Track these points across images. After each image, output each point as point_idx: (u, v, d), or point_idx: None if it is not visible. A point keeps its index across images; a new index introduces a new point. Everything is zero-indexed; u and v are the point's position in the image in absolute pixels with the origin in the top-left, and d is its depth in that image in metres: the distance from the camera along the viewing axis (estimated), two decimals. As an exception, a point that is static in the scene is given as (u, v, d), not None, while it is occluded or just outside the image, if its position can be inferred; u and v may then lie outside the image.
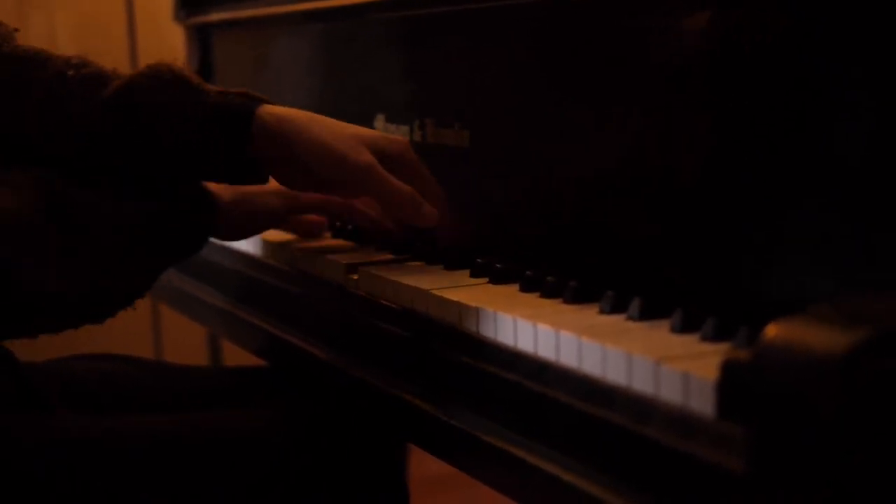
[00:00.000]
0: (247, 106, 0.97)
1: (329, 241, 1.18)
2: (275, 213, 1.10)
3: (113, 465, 0.93)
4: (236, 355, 1.39)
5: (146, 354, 2.01)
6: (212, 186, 1.03)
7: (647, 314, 0.77)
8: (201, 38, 1.63)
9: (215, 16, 1.57)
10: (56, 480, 0.91)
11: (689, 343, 0.71)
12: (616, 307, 0.80)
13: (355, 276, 1.01)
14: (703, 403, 0.63)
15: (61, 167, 0.94)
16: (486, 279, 0.93)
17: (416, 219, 0.99)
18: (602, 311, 0.80)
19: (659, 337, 0.73)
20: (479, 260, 0.96)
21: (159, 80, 0.96)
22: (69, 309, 0.92)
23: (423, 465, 1.32)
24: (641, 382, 0.68)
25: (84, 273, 0.91)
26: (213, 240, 1.10)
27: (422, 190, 1.01)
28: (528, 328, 0.78)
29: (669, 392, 0.66)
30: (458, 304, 0.86)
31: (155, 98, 0.95)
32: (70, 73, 0.96)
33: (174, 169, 0.97)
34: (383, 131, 1.19)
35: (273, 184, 1.05)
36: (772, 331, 0.56)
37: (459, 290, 0.90)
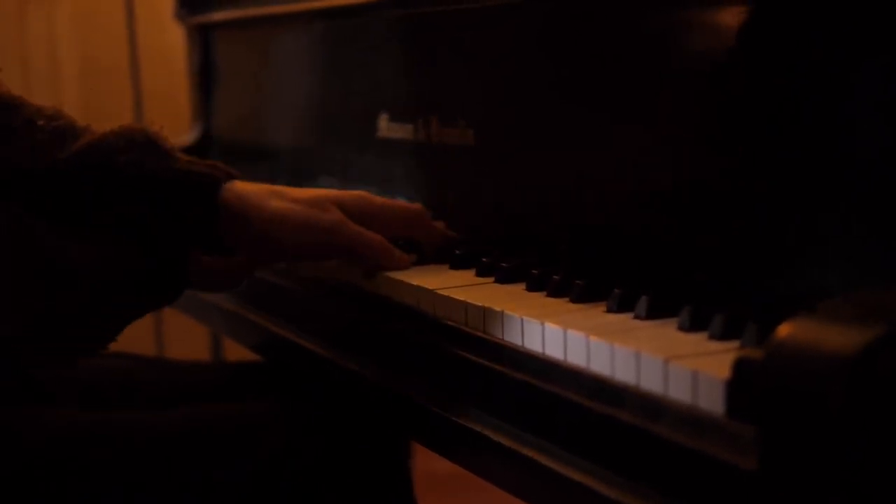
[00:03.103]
0: (213, 180, 0.95)
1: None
2: (250, 264, 1.07)
3: (111, 459, 0.93)
4: (238, 353, 1.39)
5: (148, 352, 2.02)
6: None
7: (654, 313, 0.77)
8: (203, 38, 1.63)
9: (217, 15, 1.57)
10: (55, 474, 0.91)
11: (697, 342, 0.71)
12: (623, 306, 0.80)
13: (361, 276, 1.01)
14: (712, 402, 0.63)
15: (30, 209, 0.94)
16: (492, 278, 0.93)
17: (389, 266, 0.98)
18: (609, 310, 0.80)
19: (667, 335, 0.73)
20: (484, 259, 0.96)
21: (132, 141, 0.95)
22: (23, 354, 0.91)
23: (429, 466, 1.32)
24: (650, 381, 0.67)
25: (43, 315, 0.90)
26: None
27: (399, 226, 1.01)
28: (536, 327, 0.78)
29: (678, 391, 0.65)
30: (464, 304, 0.86)
31: (124, 158, 0.94)
32: (40, 122, 0.96)
33: (136, 228, 0.95)
34: (387, 129, 1.20)
35: None
36: (784, 329, 0.56)
37: (465, 289, 0.90)
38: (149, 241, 0.95)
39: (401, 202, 1.04)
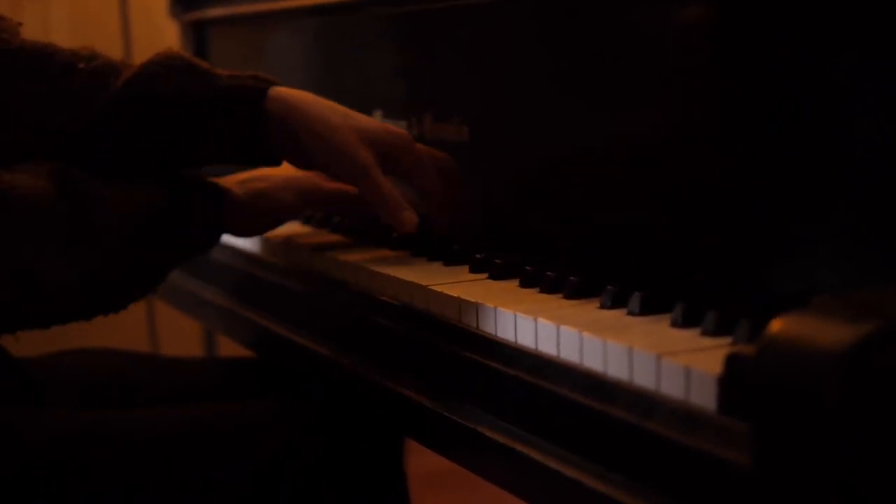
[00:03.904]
0: (257, 90, 0.98)
1: (328, 237, 1.18)
2: (289, 208, 1.09)
3: (110, 460, 0.93)
4: (231, 350, 1.39)
5: (142, 349, 2.01)
6: (226, 183, 1.03)
7: (647, 309, 0.77)
8: (197, 34, 1.62)
9: (212, 11, 1.57)
10: (55, 475, 0.91)
11: (689, 338, 0.71)
12: (616, 302, 0.80)
13: (354, 273, 1.01)
14: (704, 398, 0.63)
15: (72, 162, 0.94)
16: (486, 275, 0.93)
17: (396, 224, 0.99)
18: (602, 306, 0.80)
19: (660, 331, 0.73)
20: (478, 255, 0.96)
21: (171, 67, 0.97)
22: (78, 299, 0.92)
23: (424, 463, 1.32)
24: (643, 377, 0.68)
25: (94, 263, 0.91)
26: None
27: (423, 186, 1.02)
28: (529, 323, 0.78)
29: (671, 387, 0.65)
30: (457, 300, 0.86)
31: (167, 86, 0.96)
32: (80, 65, 0.96)
33: (189, 155, 0.98)
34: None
35: (289, 172, 1.07)
36: (776, 326, 0.56)
37: (459, 285, 0.90)
38: (199, 163, 0.98)
39: (430, 167, 1.04)
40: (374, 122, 1.03)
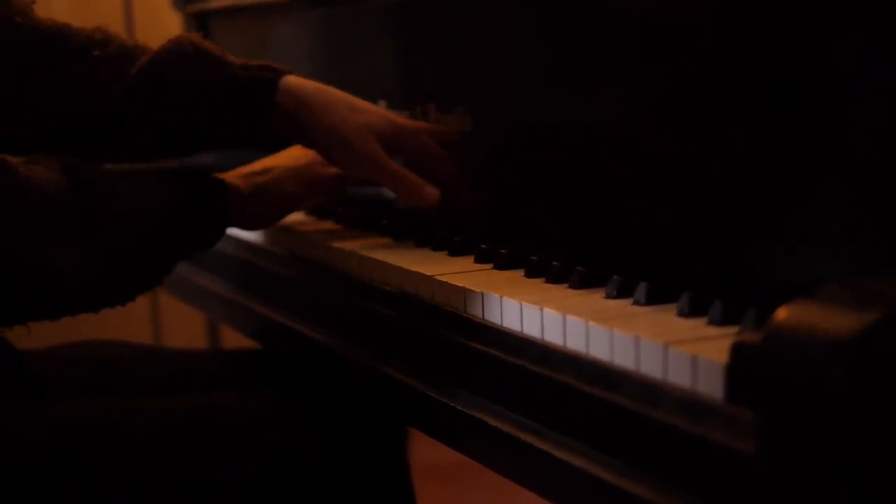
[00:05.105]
0: (268, 82, 1.00)
1: (331, 226, 1.18)
2: (294, 198, 1.10)
3: (110, 459, 0.93)
4: (235, 341, 1.39)
5: (145, 342, 2.01)
6: (230, 178, 1.04)
7: (653, 298, 0.77)
8: (200, 26, 1.62)
9: (214, 2, 1.57)
10: (55, 473, 0.91)
11: (696, 327, 0.71)
12: (622, 292, 0.80)
13: (359, 262, 1.01)
14: (711, 387, 0.63)
15: (81, 153, 0.95)
16: (491, 265, 0.93)
17: (418, 201, 1.02)
18: (608, 296, 0.80)
19: (666, 321, 0.73)
20: (483, 245, 0.96)
21: (182, 55, 0.98)
22: (87, 291, 0.93)
23: (428, 455, 1.32)
24: (649, 366, 0.68)
25: (103, 256, 0.91)
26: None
27: (431, 169, 1.04)
28: (535, 313, 0.78)
29: (677, 376, 0.65)
30: (463, 290, 0.86)
31: (179, 74, 0.98)
32: (96, 52, 0.97)
33: (198, 140, 1.00)
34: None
35: (290, 163, 1.08)
36: (782, 313, 0.56)
37: (464, 275, 0.90)
38: (211, 147, 1.01)
39: (437, 150, 1.06)
40: (380, 112, 1.04)
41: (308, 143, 1.04)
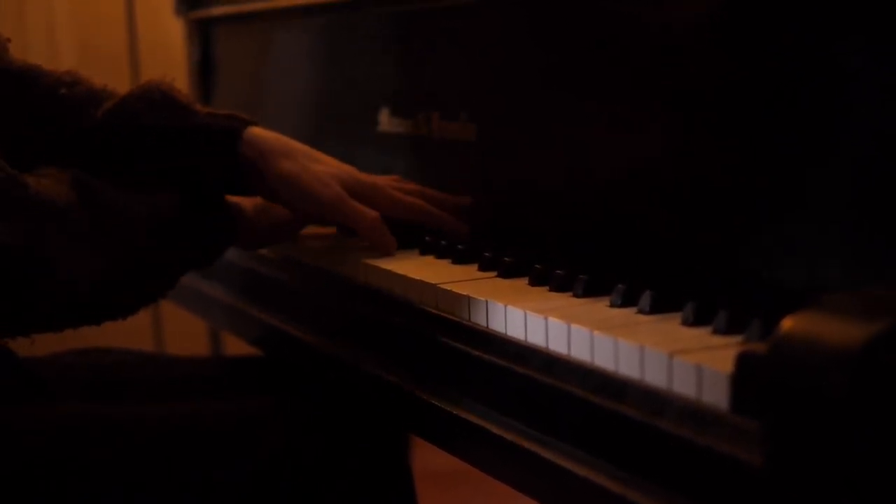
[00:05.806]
0: (232, 133, 1.00)
1: (333, 234, 1.18)
2: (293, 223, 1.11)
3: (110, 459, 0.93)
4: (237, 349, 1.39)
5: (147, 347, 2.01)
6: (234, 197, 1.05)
7: (657, 307, 0.77)
8: (202, 33, 1.62)
9: (217, 10, 1.57)
10: (55, 473, 0.91)
11: (701, 336, 0.71)
12: (627, 300, 0.80)
13: (364, 271, 1.01)
14: (716, 396, 0.63)
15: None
16: (495, 273, 0.93)
17: (377, 247, 1.03)
18: (613, 305, 0.80)
19: (670, 330, 0.73)
20: (487, 254, 0.96)
21: (150, 101, 1.00)
22: (92, 304, 0.93)
23: (429, 461, 1.32)
24: (654, 376, 0.68)
25: (111, 267, 0.92)
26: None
27: (407, 218, 1.05)
28: (539, 322, 0.78)
29: (683, 385, 0.66)
30: (467, 298, 0.86)
31: (145, 118, 0.99)
32: (62, 91, 0.98)
33: (167, 185, 0.99)
34: (388, 124, 1.20)
35: None
36: (787, 324, 0.56)
37: (468, 283, 0.90)
38: (188, 188, 1.00)
39: (410, 199, 1.06)
40: (342, 165, 1.05)
41: (268, 194, 1.04)
